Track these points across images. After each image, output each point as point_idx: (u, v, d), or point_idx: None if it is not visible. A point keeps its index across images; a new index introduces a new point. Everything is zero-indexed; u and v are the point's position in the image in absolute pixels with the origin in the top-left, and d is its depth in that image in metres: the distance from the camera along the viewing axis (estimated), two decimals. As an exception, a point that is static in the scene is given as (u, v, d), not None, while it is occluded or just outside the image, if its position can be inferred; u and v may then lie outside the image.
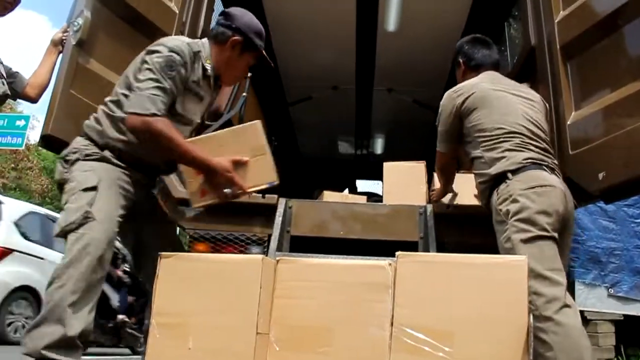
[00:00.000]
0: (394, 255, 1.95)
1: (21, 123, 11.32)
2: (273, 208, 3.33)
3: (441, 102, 2.96)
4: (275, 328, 1.97)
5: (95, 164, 2.44)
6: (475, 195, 3.11)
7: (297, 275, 1.75)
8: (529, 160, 2.61)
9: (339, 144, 9.22)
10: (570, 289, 5.74)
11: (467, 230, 3.22)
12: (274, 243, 3.13)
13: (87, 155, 2.44)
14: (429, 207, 3.28)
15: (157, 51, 2.45)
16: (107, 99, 2.57)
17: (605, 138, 2.87)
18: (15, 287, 6.69)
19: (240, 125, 2.75)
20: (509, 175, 2.57)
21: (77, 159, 2.44)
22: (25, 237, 7.12)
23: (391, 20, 5.72)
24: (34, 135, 20.78)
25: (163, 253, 2.21)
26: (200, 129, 2.82)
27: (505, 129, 2.70)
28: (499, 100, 2.79)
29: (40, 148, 21.25)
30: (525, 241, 2.40)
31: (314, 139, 6.71)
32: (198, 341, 1.88)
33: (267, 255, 3.09)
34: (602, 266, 6.42)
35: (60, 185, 2.48)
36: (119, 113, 2.46)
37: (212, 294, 2.00)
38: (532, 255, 2.29)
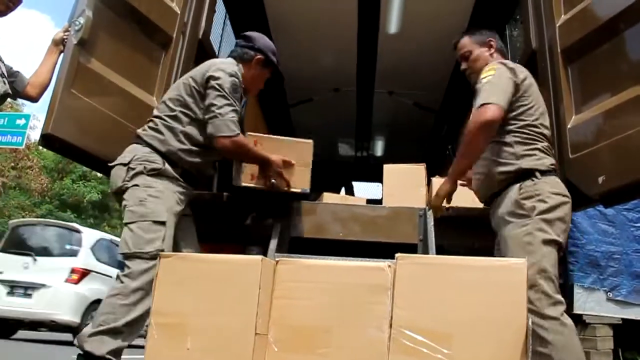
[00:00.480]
0: (393, 258, 1.95)
1: (21, 122, 11.29)
2: (273, 208, 3.33)
3: (494, 67, 2.71)
4: (274, 329, 1.97)
5: (157, 182, 2.72)
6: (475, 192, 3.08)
7: (296, 276, 1.75)
8: (553, 167, 2.64)
9: (339, 146, 9.22)
10: (569, 292, 5.75)
11: (466, 233, 3.22)
12: (273, 244, 3.13)
13: (150, 169, 2.72)
14: (429, 210, 3.28)
15: (219, 77, 2.81)
16: (163, 113, 2.87)
17: (605, 142, 2.87)
18: (93, 300, 8.14)
19: (297, 139, 3.38)
20: (537, 174, 2.56)
21: (141, 172, 2.71)
22: (98, 260, 8.79)
23: (392, 22, 5.72)
24: (34, 135, 20.77)
25: (162, 253, 2.22)
26: None
27: (540, 129, 2.68)
28: (539, 98, 2.77)
29: (40, 147, 21.28)
30: (545, 242, 2.42)
31: (314, 140, 6.70)
32: (196, 341, 1.88)
33: (266, 256, 3.11)
34: (601, 270, 6.42)
35: (119, 192, 2.73)
36: (179, 127, 2.83)
37: (210, 294, 2.00)
38: (547, 257, 2.38)
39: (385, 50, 6.05)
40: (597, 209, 5.84)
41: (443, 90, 6.82)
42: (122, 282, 2.55)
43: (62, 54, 3.08)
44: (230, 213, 3.43)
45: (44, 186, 25.06)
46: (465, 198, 3.40)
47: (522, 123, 2.67)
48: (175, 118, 2.84)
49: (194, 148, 2.83)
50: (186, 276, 2.08)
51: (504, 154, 2.66)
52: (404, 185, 3.62)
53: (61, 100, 2.86)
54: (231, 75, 2.83)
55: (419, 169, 3.74)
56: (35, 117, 16.69)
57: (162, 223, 2.64)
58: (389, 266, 1.65)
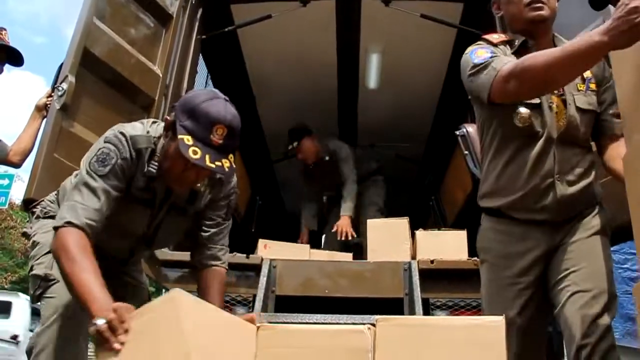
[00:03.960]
0: (379, 312, 1.93)
1: (4, 182, 11.24)
2: (257, 268, 3.32)
3: None
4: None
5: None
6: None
7: (277, 342, 1.73)
8: None
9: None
10: (559, 339, 5.71)
11: (451, 286, 3.23)
12: (258, 304, 3.12)
13: (46, 212, 2.25)
14: (413, 263, 3.29)
15: (91, 149, 2.00)
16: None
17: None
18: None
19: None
20: None
21: (38, 216, 2.29)
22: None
23: (371, 78, 5.85)
24: (17, 194, 20.60)
25: None
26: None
27: None
28: None
29: (23, 209, 21.06)
30: None
31: (298, 195, 6.74)
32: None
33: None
34: (591, 314, 6.40)
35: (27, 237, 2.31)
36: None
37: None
38: None
39: (365, 104, 6.16)
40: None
41: (424, 141, 6.92)
42: None
43: (45, 119, 3.11)
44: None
45: (27, 246, 24.73)
46: (449, 251, 3.43)
47: None
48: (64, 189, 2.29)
49: None
50: None
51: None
52: (388, 240, 3.64)
53: (44, 165, 2.87)
54: (106, 142, 1.93)
55: (403, 223, 3.76)
56: (19, 177, 16.63)
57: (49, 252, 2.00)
58: (369, 328, 1.66)
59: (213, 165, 1.77)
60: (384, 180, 5.52)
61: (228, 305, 3.36)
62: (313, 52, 5.32)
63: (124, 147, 1.91)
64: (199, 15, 4.28)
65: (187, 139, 1.76)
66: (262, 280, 3.25)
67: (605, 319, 1.90)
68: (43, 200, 2.35)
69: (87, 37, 3.15)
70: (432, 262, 3.33)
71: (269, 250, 3.81)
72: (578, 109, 2.06)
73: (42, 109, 3.16)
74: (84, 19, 3.14)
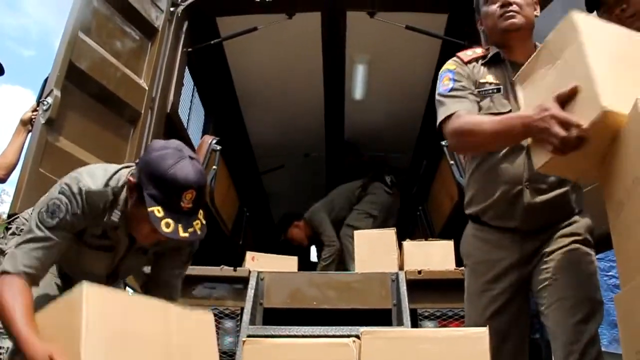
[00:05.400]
0: (368, 323, 1.95)
1: (-11, 197, 11.17)
2: (245, 281, 3.32)
3: None
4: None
5: None
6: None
7: (263, 356, 1.75)
8: None
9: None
10: (546, 347, 5.74)
11: (439, 296, 3.24)
12: (246, 316, 3.11)
13: (21, 230, 2.14)
14: (401, 274, 3.30)
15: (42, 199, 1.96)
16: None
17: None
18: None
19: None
20: None
21: (13, 233, 2.26)
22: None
23: (357, 89, 5.88)
24: (3, 208, 20.42)
25: None
26: None
27: None
28: None
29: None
30: None
31: (286, 206, 6.75)
32: None
33: (240, 329, 3.07)
34: (578, 322, 6.42)
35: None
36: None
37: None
38: None
39: (352, 115, 6.19)
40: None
41: (412, 151, 6.95)
42: None
43: (30, 134, 3.10)
44: (201, 287, 3.41)
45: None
46: (437, 261, 3.44)
47: None
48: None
49: None
50: None
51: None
52: (376, 251, 3.64)
53: (29, 179, 2.86)
54: (61, 193, 1.87)
55: (390, 234, 3.77)
56: (5, 192, 16.49)
57: None
58: (354, 341, 1.67)
59: (187, 235, 1.76)
60: (380, 186, 5.56)
61: (216, 318, 3.35)
62: (299, 64, 5.34)
63: (77, 202, 1.85)
64: (184, 28, 4.29)
65: (158, 211, 1.73)
66: (250, 292, 3.24)
67: (589, 326, 1.91)
68: (18, 217, 2.31)
69: (73, 51, 3.15)
70: (419, 272, 3.34)
71: (256, 262, 3.81)
72: None
73: (27, 123, 3.13)
74: (69, 33, 3.14)
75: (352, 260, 3.97)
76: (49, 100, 2.98)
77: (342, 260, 5.15)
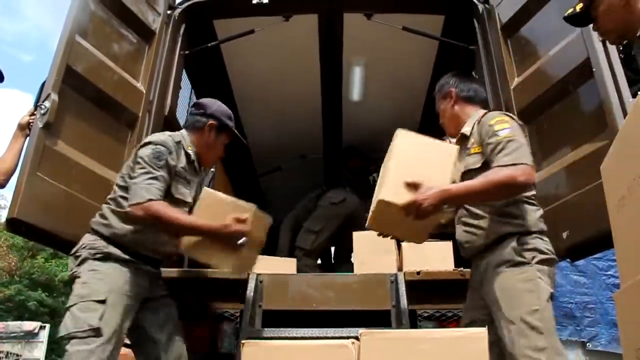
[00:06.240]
0: (367, 324, 1.95)
1: (-13, 203, 11.14)
2: (244, 283, 3.31)
3: (506, 119, 2.56)
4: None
5: (103, 265, 2.64)
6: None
7: (262, 358, 1.75)
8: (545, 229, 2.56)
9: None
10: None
11: (438, 297, 3.24)
12: (245, 319, 3.10)
13: (95, 253, 2.64)
14: (400, 275, 3.30)
15: (140, 149, 2.76)
16: (109, 197, 2.83)
17: (566, 198, 2.96)
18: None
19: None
20: (537, 233, 2.49)
21: (86, 258, 2.64)
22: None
23: (355, 90, 5.88)
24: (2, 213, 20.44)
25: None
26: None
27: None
28: None
29: (7, 227, 20.84)
30: (545, 291, 2.37)
31: (284, 208, 6.75)
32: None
33: (240, 331, 3.07)
34: (577, 321, 6.43)
35: (72, 280, 2.65)
36: (120, 209, 2.72)
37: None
38: (547, 309, 2.35)
39: (350, 117, 6.18)
40: (566, 260, 5.90)
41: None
42: None
43: (28, 138, 3.09)
44: (201, 290, 3.40)
45: (12, 265, 24.46)
46: (436, 262, 3.44)
47: None
48: (116, 201, 2.77)
49: (138, 227, 2.71)
50: None
51: (512, 213, 2.53)
52: (375, 252, 3.63)
53: (27, 184, 2.85)
54: (155, 144, 2.75)
55: (389, 235, 3.76)
56: (3, 197, 16.50)
57: (102, 302, 2.53)
58: (353, 343, 1.67)
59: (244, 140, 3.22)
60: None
61: (214, 321, 3.35)
62: (296, 66, 5.34)
63: (167, 143, 2.78)
64: (181, 31, 4.29)
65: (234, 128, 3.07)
66: (249, 295, 3.24)
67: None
68: (84, 245, 2.70)
69: (70, 54, 3.15)
70: (418, 273, 3.34)
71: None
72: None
73: (25, 128, 3.13)
74: (66, 37, 3.15)
75: None
76: (47, 104, 2.98)
77: None
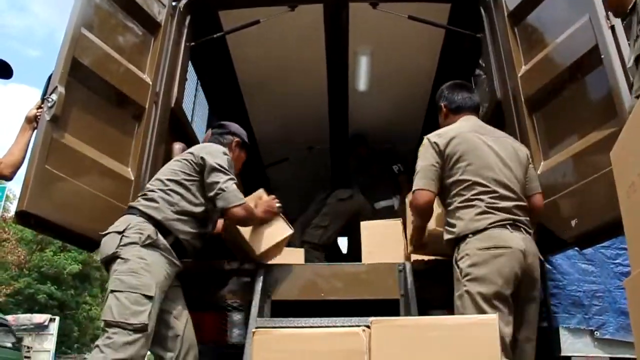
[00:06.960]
0: (376, 313, 1.95)
1: (-4, 195, 11.19)
2: (253, 273, 3.32)
3: (421, 145, 2.97)
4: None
5: (150, 255, 2.76)
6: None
7: (274, 346, 1.75)
8: (495, 224, 2.67)
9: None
10: (555, 335, 5.75)
11: (446, 285, 3.23)
12: (254, 309, 3.11)
13: (144, 240, 2.77)
14: (408, 264, 3.29)
15: (216, 157, 3.07)
16: (157, 187, 3.02)
17: (575, 186, 2.94)
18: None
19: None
20: (470, 235, 2.66)
21: (135, 242, 2.75)
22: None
23: (361, 81, 5.86)
24: (11, 207, 20.53)
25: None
26: None
27: (477, 189, 2.75)
28: (476, 152, 2.83)
29: (15, 221, 20.97)
30: (473, 300, 2.50)
31: (291, 199, 6.75)
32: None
33: (248, 321, 3.08)
34: (585, 309, 6.39)
35: (109, 259, 2.76)
36: (173, 200, 2.97)
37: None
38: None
39: (356, 107, 6.17)
40: (575, 249, 5.88)
41: (416, 141, 6.92)
42: (102, 351, 2.51)
43: (35, 131, 3.10)
44: (210, 280, 3.41)
45: (21, 259, 24.63)
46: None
47: (458, 189, 2.79)
48: (170, 191, 2.99)
49: (187, 218, 2.97)
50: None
51: (450, 218, 2.81)
52: (383, 241, 3.64)
53: (35, 176, 2.86)
54: (225, 154, 3.12)
55: (397, 224, 3.77)
56: (10, 190, 16.57)
57: (150, 298, 2.65)
58: (364, 330, 1.67)
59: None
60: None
61: (224, 311, 3.36)
62: (302, 56, 5.32)
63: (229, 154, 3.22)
64: (187, 23, 4.28)
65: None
66: (258, 285, 3.24)
67: None
68: (131, 226, 2.82)
69: (76, 47, 3.15)
70: (426, 262, 3.34)
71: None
72: None
73: (32, 121, 3.14)
74: (72, 29, 3.14)
75: None
76: (54, 97, 2.98)
77: None
